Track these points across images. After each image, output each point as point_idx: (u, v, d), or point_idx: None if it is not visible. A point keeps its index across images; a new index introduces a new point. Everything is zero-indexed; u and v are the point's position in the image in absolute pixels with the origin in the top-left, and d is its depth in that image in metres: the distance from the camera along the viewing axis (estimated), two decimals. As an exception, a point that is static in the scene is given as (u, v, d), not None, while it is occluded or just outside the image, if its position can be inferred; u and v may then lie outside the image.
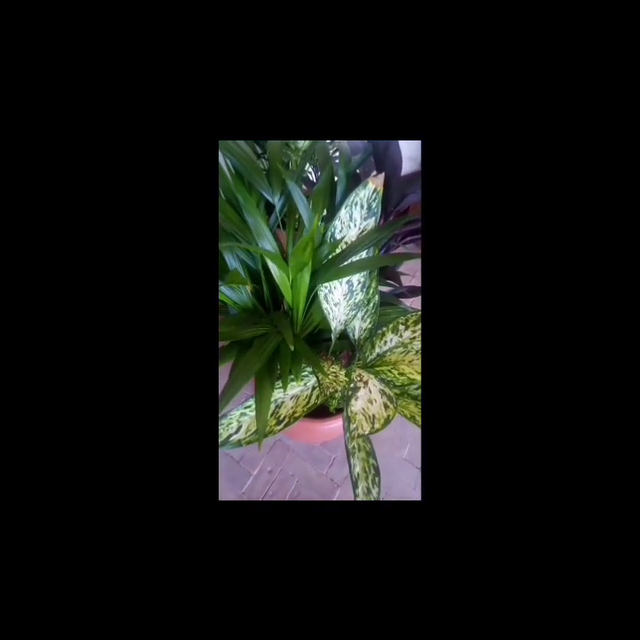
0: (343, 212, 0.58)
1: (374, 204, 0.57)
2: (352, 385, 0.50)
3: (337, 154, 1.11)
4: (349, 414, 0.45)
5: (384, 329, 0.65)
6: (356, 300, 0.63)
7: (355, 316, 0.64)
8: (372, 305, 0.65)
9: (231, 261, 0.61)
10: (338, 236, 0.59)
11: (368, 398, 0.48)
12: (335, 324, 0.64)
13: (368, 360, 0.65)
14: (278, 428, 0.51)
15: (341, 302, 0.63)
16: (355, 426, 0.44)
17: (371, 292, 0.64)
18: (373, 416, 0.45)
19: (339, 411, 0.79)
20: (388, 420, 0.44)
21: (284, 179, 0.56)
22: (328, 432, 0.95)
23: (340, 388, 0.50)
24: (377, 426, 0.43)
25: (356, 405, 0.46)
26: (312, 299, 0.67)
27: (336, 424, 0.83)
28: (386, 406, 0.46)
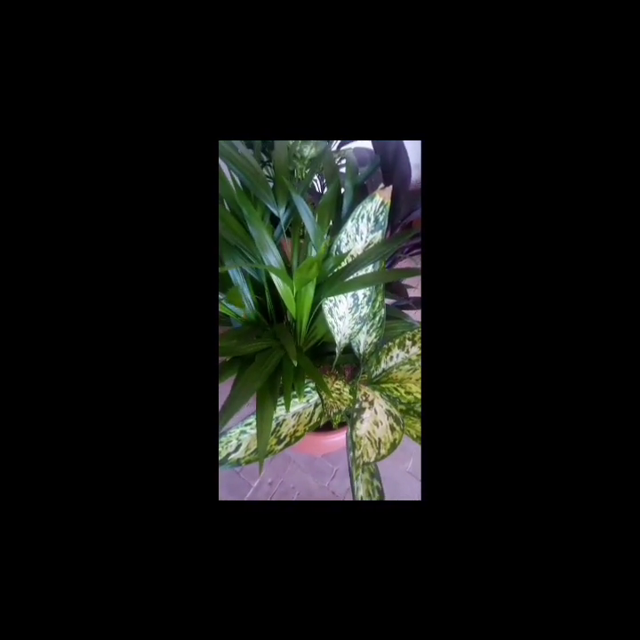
0: (349, 225, 0.56)
1: (381, 217, 0.56)
2: (357, 405, 0.48)
3: (343, 162, 1.10)
4: (354, 439, 0.44)
5: (390, 344, 0.63)
6: (362, 314, 0.61)
7: (360, 329, 0.63)
8: (377, 319, 0.63)
9: (234, 273, 0.60)
10: (343, 250, 0.57)
11: (373, 420, 0.46)
12: (340, 338, 0.63)
13: (373, 375, 0.63)
14: (279, 447, 0.49)
15: (346, 316, 0.62)
16: (360, 452, 0.42)
17: (376, 305, 0.62)
18: (379, 440, 0.43)
19: (342, 424, 0.77)
20: (394, 445, 0.42)
21: (289, 192, 0.55)
22: (331, 444, 0.93)
23: (344, 408, 0.48)
24: (383, 452, 0.41)
25: (362, 429, 0.44)
26: (316, 311, 0.65)
27: (339, 437, 0.82)
28: (392, 429, 0.44)
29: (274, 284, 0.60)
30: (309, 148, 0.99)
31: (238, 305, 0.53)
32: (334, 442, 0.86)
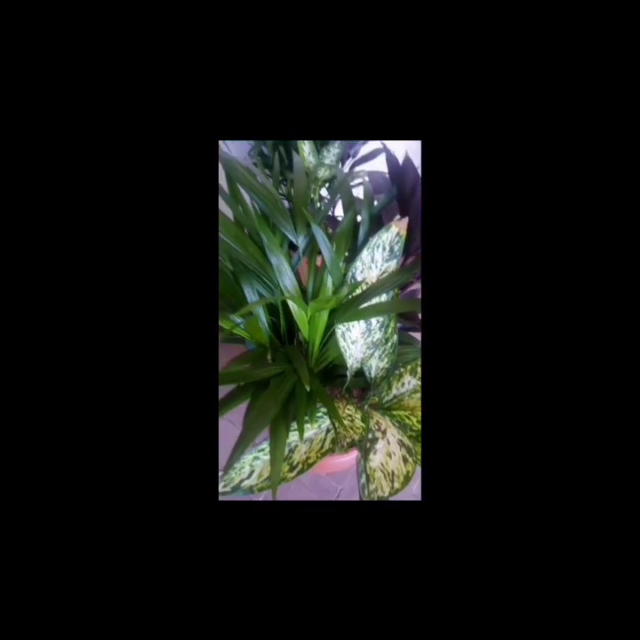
0: (365, 254, 0.58)
1: (397, 248, 0.57)
2: (370, 435, 0.48)
3: (355, 181, 1.13)
4: (368, 471, 0.44)
5: (402, 370, 0.63)
6: (374, 339, 0.62)
7: (372, 354, 0.63)
8: (390, 344, 0.63)
9: (250, 295, 0.61)
10: (359, 277, 0.58)
11: (386, 451, 0.46)
12: (351, 362, 0.63)
13: (384, 400, 0.64)
14: (291, 474, 0.49)
15: (359, 340, 0.62)
16: (374, 486, 0.42)
17: (389, 331, 0.63)
18: (392, 472, 0.43)
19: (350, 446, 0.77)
20: (407, 478, 0.42)
21: (308, 221, 0.57)
22: (336, 464, 0.93)
23: (356, 438, 0.49)
24: (397, 485, 0.42)
25: (375, 460, 0.45)
26: (328, 334, 0.66)
27: (345, 457, 0.81)
28: (405, 460, 0.44)
29: (288, 306, 0.61)
30: (323, 171, 1.01)
31: (257, 336, 0.54)
32: (340, 462, 0.86)
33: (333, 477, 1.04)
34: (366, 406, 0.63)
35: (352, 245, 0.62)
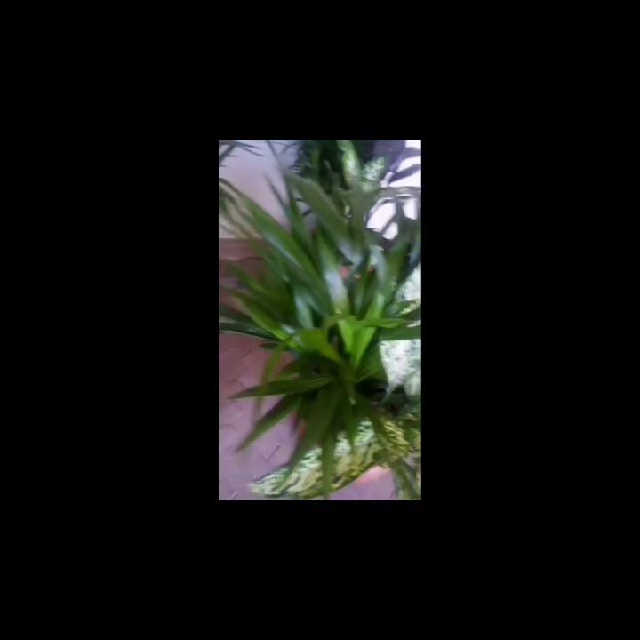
0: (416, 274, 0.59)
1: (449, 271, 0.58)
2: (415, 454, 0.49)
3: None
4: (416, 491, 0.45)
5: (442, 390, 0.64)
6: (418, 357, 0.63)
7: (414, 373, 0.64)
8: (432, 364, 0.64)
9: (302, 307, 0.63)
10: (408, 297, 0.60)
11: (434, 471, 0.47)
12: (393, 378, 0.64)
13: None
14: (336, 485, 0.51)
15: (402, 357, 0.64)
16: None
17: (432, 351, 0.64)
18: (441, 494, 0.44)
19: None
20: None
21: (365, 240, 0.59)
22: (361, 477, 0.93)
23: (401, 455, 0.50)
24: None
25: (421, 481, 0.46)
26: (372, 348, 0.68)
27: (371, 471, 0.82)
28: (451, 482, 0.45)
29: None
30: (366, 186, 1.04)
31: (318, 346, 0.55)
32: (366, 475, 0.87)
33: (356, 489, 1.05)
34: (401, 422, 0.64)
35: (403, 265, 0.64)
